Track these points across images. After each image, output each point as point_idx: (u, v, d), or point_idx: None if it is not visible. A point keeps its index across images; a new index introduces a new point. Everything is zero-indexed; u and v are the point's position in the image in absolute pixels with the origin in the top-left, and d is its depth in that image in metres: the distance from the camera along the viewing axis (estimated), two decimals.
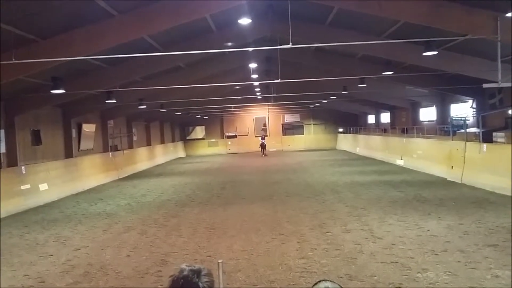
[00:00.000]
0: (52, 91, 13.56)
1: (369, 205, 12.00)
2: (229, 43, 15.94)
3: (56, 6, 9.89)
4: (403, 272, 6.53)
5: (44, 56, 10.30)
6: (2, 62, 9.85)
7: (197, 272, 1.93)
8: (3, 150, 15.64)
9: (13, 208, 13.39)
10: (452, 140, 17.52)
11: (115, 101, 18.45)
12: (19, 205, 13.74)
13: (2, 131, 15.61)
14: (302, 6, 12.55)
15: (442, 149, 17.92)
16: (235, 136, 44.97)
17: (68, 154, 20.58)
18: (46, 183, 15.82)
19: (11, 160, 15.92)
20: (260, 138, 39.03)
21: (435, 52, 12.71)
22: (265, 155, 36.43)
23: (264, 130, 44.37)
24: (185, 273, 1.93)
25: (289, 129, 45.94)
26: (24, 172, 14.80)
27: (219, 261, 3.05)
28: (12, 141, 15.97)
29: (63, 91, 13.76)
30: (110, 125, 26.34)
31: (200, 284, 1.90)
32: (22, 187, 14.40)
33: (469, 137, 16.81)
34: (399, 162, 22.94)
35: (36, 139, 18.10)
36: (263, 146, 37.52)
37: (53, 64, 11.54)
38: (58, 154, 20.00)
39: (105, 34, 11.02)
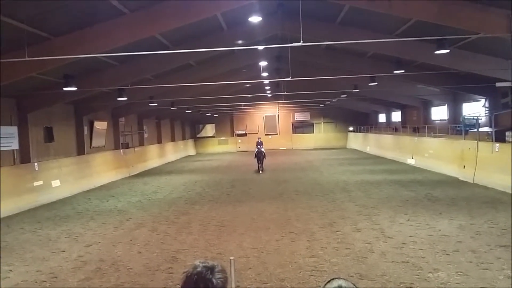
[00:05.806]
0: (64, 89, 13.71)
1: (380, 204, 11.95)
2: (240, 41, 15.95)
3: (68, 5, 9.98)
4: (414, 272, 6.50)
5: (57, 54, 10.40)
6: (15, 60, 9.96)
7: (211, 269, 1.94)
8: (17, 146, 15.84)
9: (26, 204, 13.58)
10: (464, 139, 17.35)
11: (126, 98, 18.56)
12: (31, 201, 13.92)
13: (16, 128, 15.81)
14: (313, 4, 12.50)
15: (454, 149, 17.77)
16: (245, 134, 44.97)
17: (80, 151, 20.78)
18: (59, 179, 16.01)
19: (24, 157, 16.12)
20: (256, 142, 23.42)
21: (447, 51, 12.59)
22: (262, 170, 22.58)
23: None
24: (199, 269, 1.94)
25: (299, 127, 45.85)
26: (37, 169, 15.00)
27: (230, 258, 3.06)
28: (25, 138, 16.18)
29: (75, 89, 13.93)
30: (122, 122, 26.53)
31: (214, 281, 1.91)
32: (35, 184, 14.59)
33: (482, 137, 16.62)
34: (410, 161, 22.78)
35: (49, 136, 18.31)
36: (259, 157, 22.53)
37: (65, 61, 11.66)
38: (70, 151, 20.20)
39: (117, 32, 11.10)
